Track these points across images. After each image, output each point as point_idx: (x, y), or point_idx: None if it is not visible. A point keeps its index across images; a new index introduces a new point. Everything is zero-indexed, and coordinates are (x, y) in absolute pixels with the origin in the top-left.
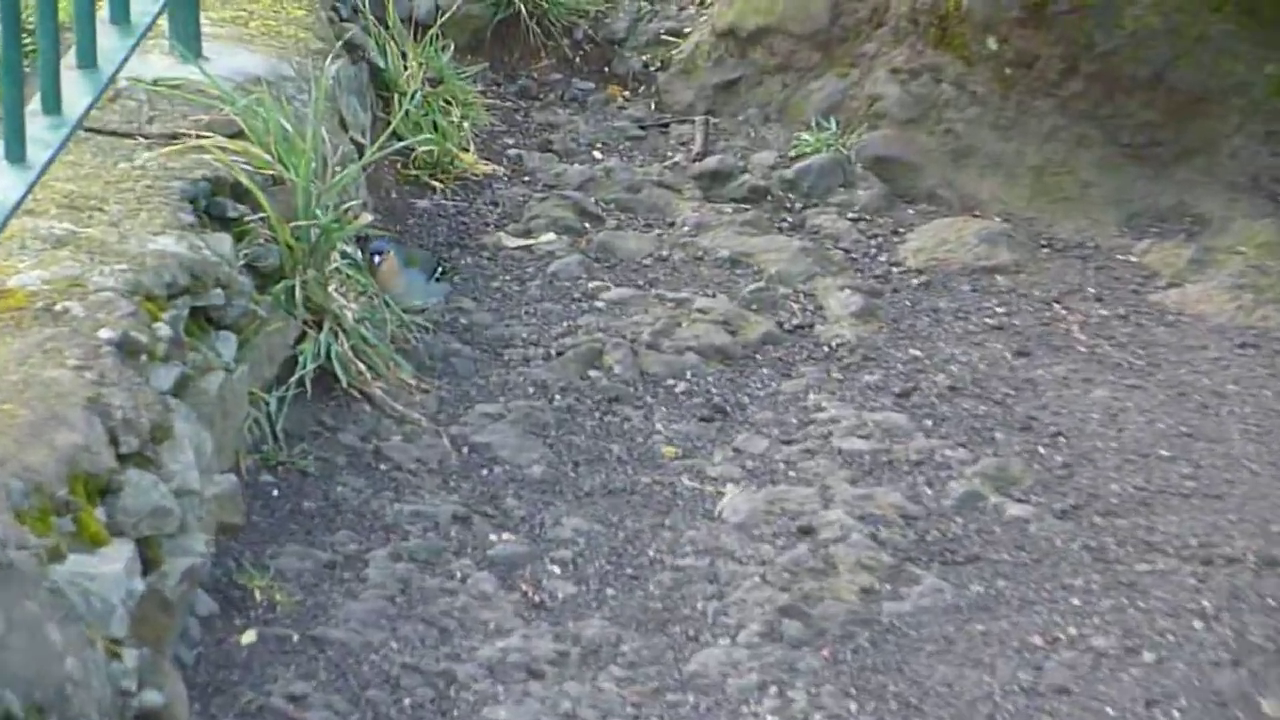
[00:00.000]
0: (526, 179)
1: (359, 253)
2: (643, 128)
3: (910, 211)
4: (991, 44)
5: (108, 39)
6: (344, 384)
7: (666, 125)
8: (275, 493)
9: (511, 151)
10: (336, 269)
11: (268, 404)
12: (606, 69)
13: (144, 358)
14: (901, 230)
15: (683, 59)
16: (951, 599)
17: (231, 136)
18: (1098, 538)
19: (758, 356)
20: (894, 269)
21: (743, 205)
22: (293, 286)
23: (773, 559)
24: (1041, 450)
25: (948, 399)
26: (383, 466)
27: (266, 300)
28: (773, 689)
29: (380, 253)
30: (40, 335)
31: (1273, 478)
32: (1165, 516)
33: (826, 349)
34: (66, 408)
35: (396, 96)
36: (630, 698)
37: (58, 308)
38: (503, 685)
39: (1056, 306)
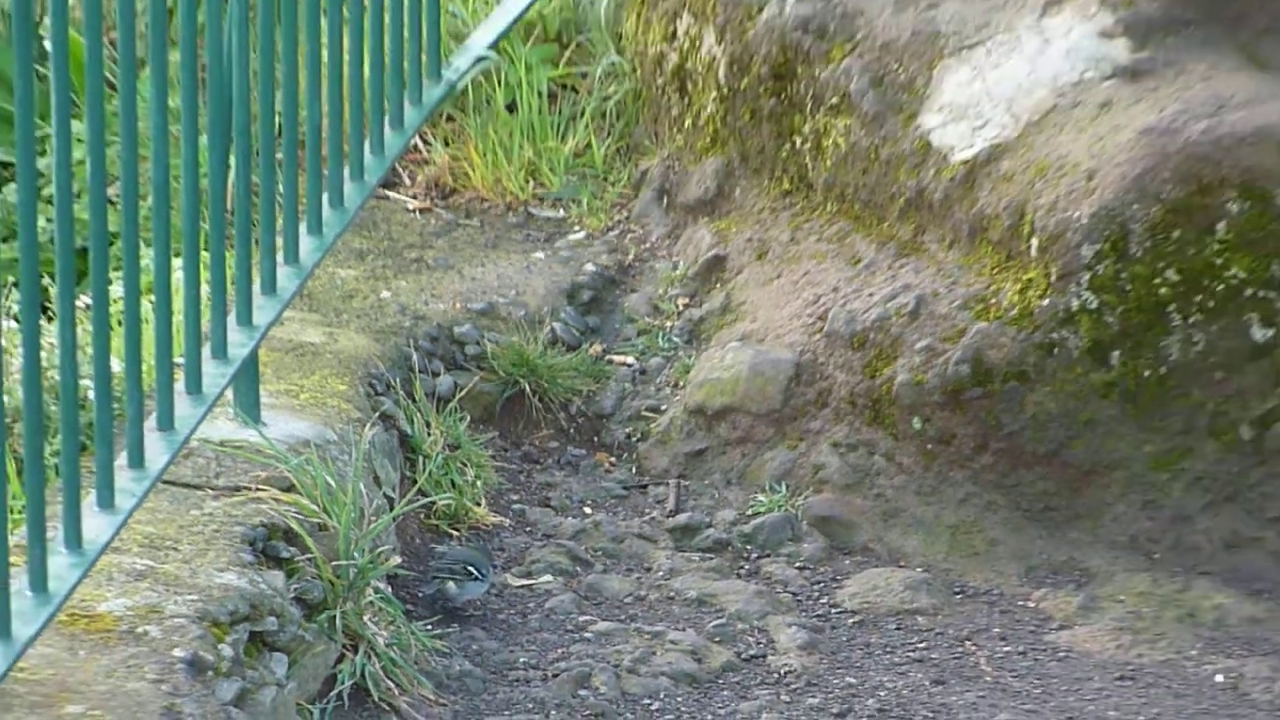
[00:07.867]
0: (529, 529)
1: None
2: (626, 488)
3: (847, 562)
4: (916, 424)
5: (183, 407)
6: (375, 698)
7: (645, 486)
8: None
9: (516, 506)
10: (370, 602)
11: (312, 714)
12: (596, 439)
13: (210, 673)
14: (840, 577)
15: (659, 431)
16: None
17: (285, 490)
18: None
19: (720, 681)
20: (833, 610)
21: (708, 554)
22: (334, 616)
23: None
24: None
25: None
26: None
27: (312, 627)
28: None
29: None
30: (124, 653)
31: None
32: None
33: (777, 676)
34: (145, 715)
35: (421, 458)
36: None
37: (139, 630)
38: None
39: (968, 644)
